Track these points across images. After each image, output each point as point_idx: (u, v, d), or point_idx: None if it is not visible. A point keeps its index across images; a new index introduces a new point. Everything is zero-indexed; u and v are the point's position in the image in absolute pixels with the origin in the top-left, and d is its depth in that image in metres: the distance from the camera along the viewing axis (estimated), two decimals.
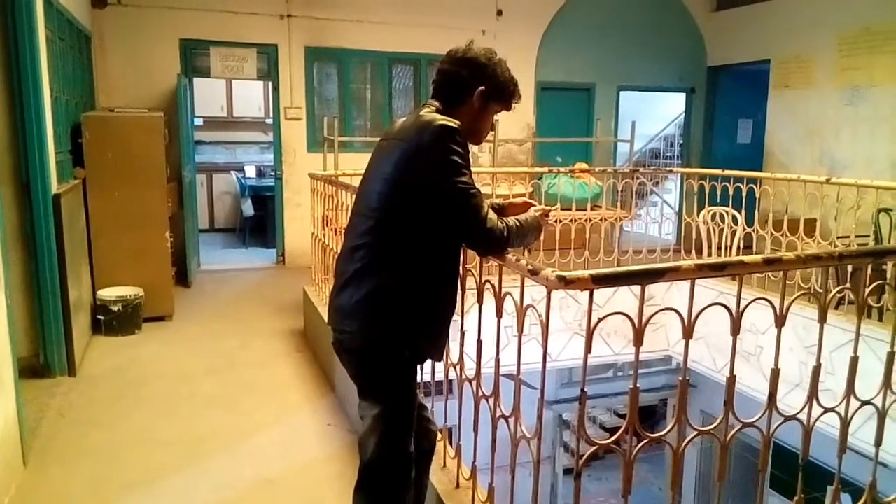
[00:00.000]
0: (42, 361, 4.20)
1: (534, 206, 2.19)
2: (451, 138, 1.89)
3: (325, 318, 2.21)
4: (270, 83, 7.79)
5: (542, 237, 2.13)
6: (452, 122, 1.91)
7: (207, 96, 9.95)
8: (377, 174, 2.02)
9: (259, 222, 9.38)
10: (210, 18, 7.19)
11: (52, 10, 4.55)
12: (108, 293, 5.15)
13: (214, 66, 7.32)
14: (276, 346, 5.06)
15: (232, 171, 10.51)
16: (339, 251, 2.21)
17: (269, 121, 9.16)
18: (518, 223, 2.00)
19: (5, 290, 3.04)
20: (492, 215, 1.93)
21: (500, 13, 8.23)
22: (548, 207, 2.24)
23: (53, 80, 4.42)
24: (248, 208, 9.44)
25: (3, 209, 3.33)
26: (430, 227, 1.94)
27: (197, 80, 7.72)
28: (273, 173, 8.07)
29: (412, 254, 1.96)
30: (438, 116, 1.94)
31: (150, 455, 3.38)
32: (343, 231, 2.49)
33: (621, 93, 9.09)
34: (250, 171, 10.55)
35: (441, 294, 2.04)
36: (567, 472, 8.43)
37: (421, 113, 1.99)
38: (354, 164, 5.38)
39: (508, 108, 2.14)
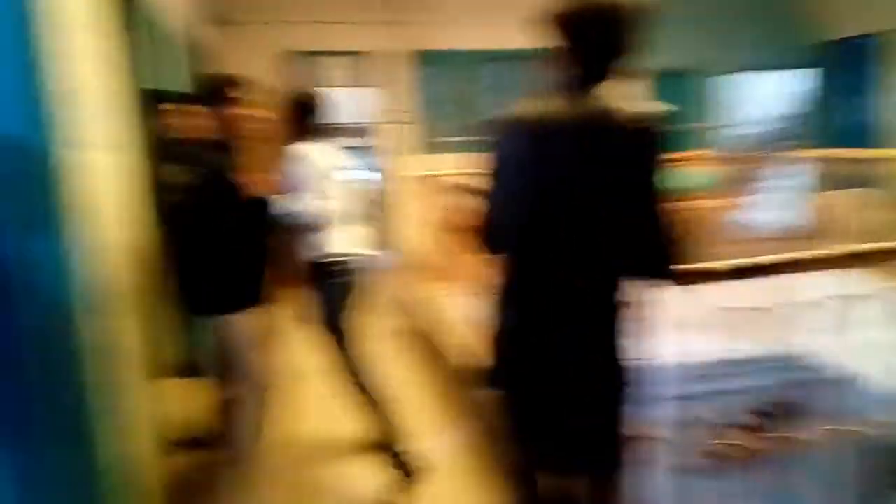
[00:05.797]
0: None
1: None
2: None
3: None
4: (374, 89, 8.00)
5: None
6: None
7: None
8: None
9: None
10: (310, 30, 7.49)
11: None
12: None
13: (318, 76, 7.59)
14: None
15: None
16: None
17: (374, 126, 9.38)
18: None
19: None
20: None
21: None
22: None
23: None
24: None
25: None
26: None
27: None
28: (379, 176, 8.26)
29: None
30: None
31: None
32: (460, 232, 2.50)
33: (732, 76, 8.68)
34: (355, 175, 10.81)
35: None
36: (693, 472, 8.11)
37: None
38: (459, 164, 5.42)
39: None
